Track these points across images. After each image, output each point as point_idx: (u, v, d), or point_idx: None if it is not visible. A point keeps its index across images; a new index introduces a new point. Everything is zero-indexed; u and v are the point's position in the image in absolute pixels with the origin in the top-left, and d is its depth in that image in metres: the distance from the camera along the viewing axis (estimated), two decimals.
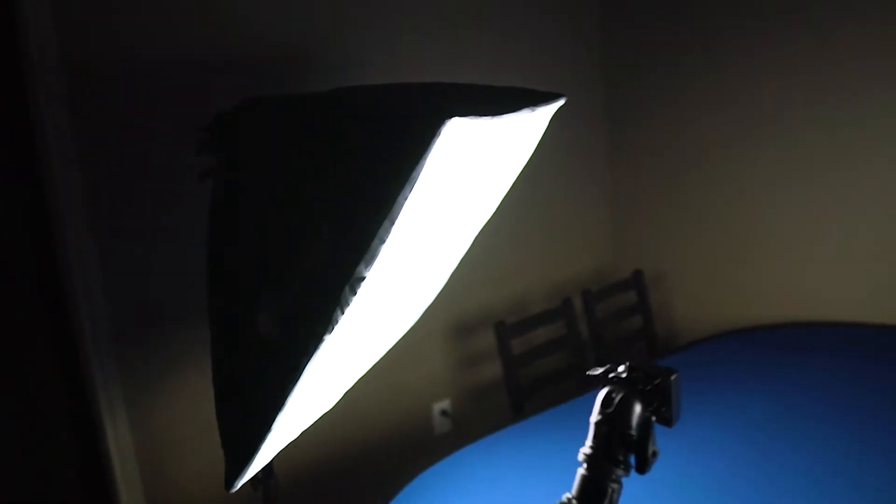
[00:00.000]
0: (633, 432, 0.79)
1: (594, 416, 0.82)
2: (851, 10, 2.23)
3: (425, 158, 0.77)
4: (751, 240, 2.65)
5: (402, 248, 0.94)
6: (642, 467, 0.79)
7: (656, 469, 0.79)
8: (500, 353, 2.31)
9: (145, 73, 1.87)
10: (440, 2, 2.41)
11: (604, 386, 0.83)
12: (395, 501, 1.55)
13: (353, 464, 2.38)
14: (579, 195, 2.95)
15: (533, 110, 1.06)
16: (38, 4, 1.71)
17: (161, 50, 1.89)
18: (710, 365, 2.14)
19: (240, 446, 0.98)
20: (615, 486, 0.80)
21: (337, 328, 0.91)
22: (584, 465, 0.80)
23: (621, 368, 0.83)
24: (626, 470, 0.79)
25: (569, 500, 0.80)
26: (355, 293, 0.88)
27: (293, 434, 1.08)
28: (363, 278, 0.86)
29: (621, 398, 0.80)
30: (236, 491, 0.99)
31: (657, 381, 0.79)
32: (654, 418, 0.79)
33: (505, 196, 1.30)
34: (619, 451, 0.78)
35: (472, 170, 1.02)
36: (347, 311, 0.89)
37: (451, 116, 0.75)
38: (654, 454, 0.79)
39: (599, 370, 0.84)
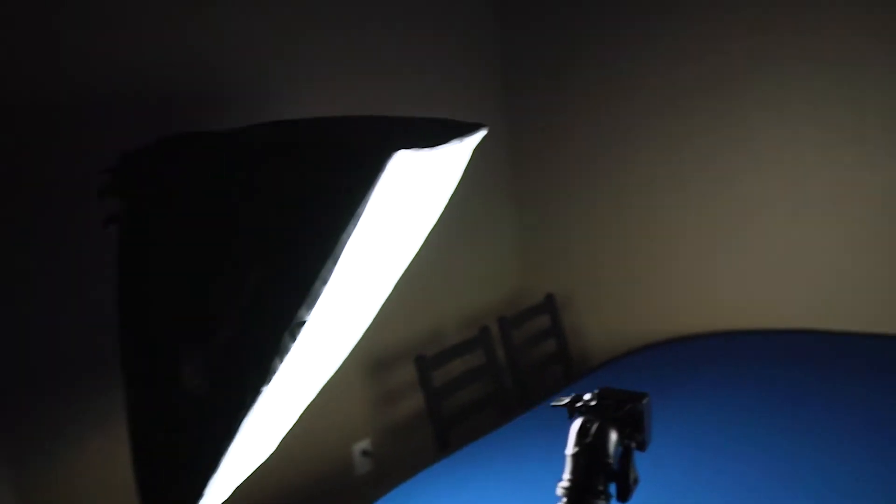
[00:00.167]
0: (612, 461, 0.78)
1: (570, 449, 0.80)
2: (726, 8, 2.41)
3: (371, 193, 0.74)
4: (652, 257, 2.76)
5: (339, 286, 0.90)
6: (624, 495, 0.79)
7: None
8: (422, 386, 2.27)
9: (35, 111, 1.73)
10: (339, 31, 2.39)
11: (576, 416, 0.82)
12: None
13: None
14: (485, 224, 2.98)
15: (461, 141, 1.06)
16: None
17: (51, 85, 1.76)
18: (625, 383, 2.19)
19: None
20: None
21: (275, 377, 0.85)
22: (564, 500, 0.79)
23: (588, 396, 0.82)
24: (607, 500, 0.78)
25: None
26: (295, 339, 0.83)
27: (227, 492, 1.00)
28: (304, 322, 0.82)
29: (597, 427, 0.79)
30: None
31: (628, 407, 0.79)
32: (633, 444, 0.79)
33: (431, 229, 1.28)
34: (599, 481, 0.77)
35: (404, 203, 1.00)
36: (287, 358, 0.84)
37: (397, 149, 0.73)
38: (636, 481, 0.79)
39: (565, 399, 0.84)
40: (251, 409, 0.84)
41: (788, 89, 2.35)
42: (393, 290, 1.45)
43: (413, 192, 1.01)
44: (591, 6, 2.71)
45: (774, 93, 2.38)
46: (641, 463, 0.80)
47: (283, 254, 0.80)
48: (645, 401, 0.80)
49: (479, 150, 1.25)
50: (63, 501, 1.85)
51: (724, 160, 2.53)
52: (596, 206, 2.87)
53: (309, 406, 1.49)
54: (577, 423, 0.81)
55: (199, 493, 0.87)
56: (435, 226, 1.32)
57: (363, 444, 2.55)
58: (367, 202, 0.74)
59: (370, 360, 2.54)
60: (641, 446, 0.79)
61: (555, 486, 1.60)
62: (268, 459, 1.19)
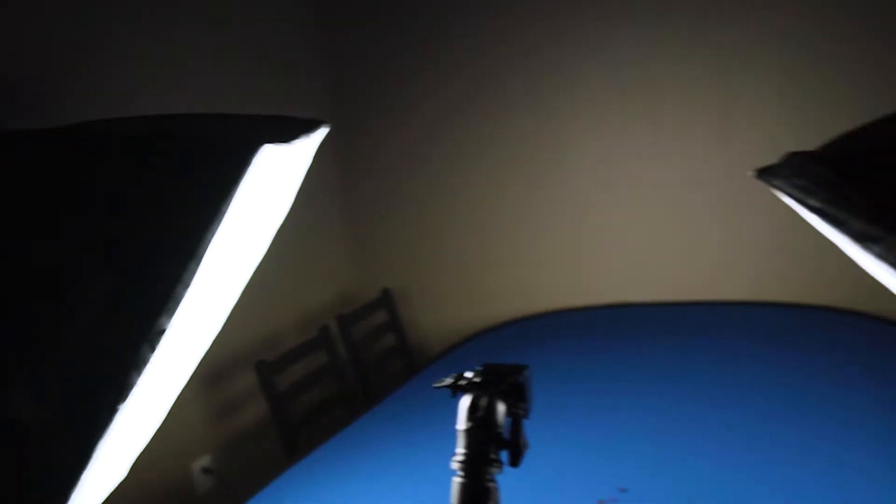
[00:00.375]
0: (502, 431, 0.83)
1: (462, 424, 0.83)
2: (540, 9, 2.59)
3: (236, 189, 0.71)
4: (480, 249, 2.90)
5: (199, 290, 0.85)
6: (516, 460, 0.84)
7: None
8: (265, 392, 2.20)
9: None
10: (172, 32, 2.24)
11: (462, 394, 0.85)
12: None
13: None
14: (315, 223, 2.94)
15: (309, 136, 1.04)
16: None
17: None
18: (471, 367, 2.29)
19: None
20: (492, 484, 0.83)
21: (132, 393, 0.79)
22: (461, 473, 0.82)
23: (470, 374, 0.86)
24: (500, 467, 0.83)
25: None
26: (154, 349, 0.77)
27: None
28: (163, 331, 0.76)
29: (488, 401, 0.83)
30: None
31: (512, 379, 0.84)
32: (520, 413, 0.84)
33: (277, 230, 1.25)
34: (492, 450, 0.82)
35: (260, 200, 0.96)
36: (146, 370, 0.78)
37: (262, 143, 0.70)
38: (525, 446, 0.84)
39: (448, 380, 0.86)
40: (106, 431, 0.77)
41: (593, 89, 2.58)
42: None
43: (268, 189, 0.98)
44: (412, 9, 2.78)
45: (580, 89, 2.60)
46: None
47: (139, 257, 0.74)
48: (526, 372, 0.86)
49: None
50: None
51: (537, 156, 2.72)
52: (425, 201, 2.95)
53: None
54: (466, 400, 0.84)
55: None
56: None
57: (203, 462, 2.41)
58: (231, 199, 0.71)
59: (205, 370, 2.41)
60: (525, 415, 0.85)
61: (411, 478, 1.64)
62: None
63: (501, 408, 0.83)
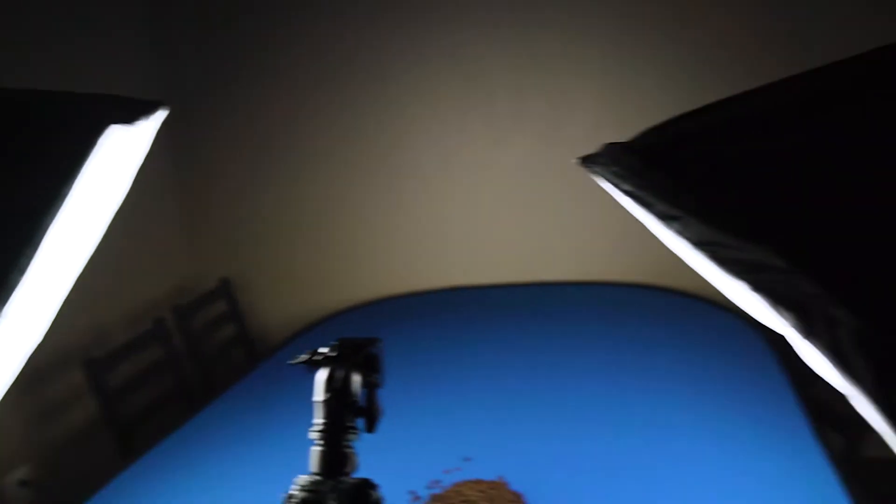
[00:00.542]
0: (358, 400, 0.86)
1: (320, 396, 0.86)
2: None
3: (80, 171, 0.68)
4: (322, 233, 2.90)
5: (32, 278, 0.80)
6: (371, 427, 0.88)
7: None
8: (95, 391, 2.06)
9: None
10: None
11: (319, 367, 0.87)
12: None
13: None
14: (146, 212, 2.78)
15: (148, 118, 1.01)
16: None
17: None
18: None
19: None
20: (350, 450, 0.86)
21: None
22: (320, 442, 0.84)
23: (325, 350, 0.89)
24: (356, 434, 0.86)
25: (305, 483, 0.82)
26: None
27: None
28: None
29: (344, 373, 0.86)
30: None
31: (366, 351, 0.88)
32: (374, 382, 0.88)
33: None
34: (349, 418, 0.85)
35: (97, 185, 0.91)
36: None
37: (109, 123, 0.68)
38: (380, 413, 0.88)
39: (304, 356, 0.89)
40: None
41: (430, 80, 2.67)
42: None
43: (106, 172, 0.93)
44: (249, 7, 2.71)
45: (418, 81, 2.69)
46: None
47: None
48: (380, 343, 0.91)
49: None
50: None
51: (376, 145, 2.78)
52: (262, 189, 2.90)
53: None
54: (323, 373, 0.88)
55: None
56: None
57: (20, 474, 2.21)
58: (74, 181, 0.68)
59: (22, 371, 2.20)
60: (380, 384, 0.90)
61: (262, 463, 1.63)
62: None
63: (357, 378, 0.87)
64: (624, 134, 0.69)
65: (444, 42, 2.62)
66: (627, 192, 0.65)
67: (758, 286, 0.59)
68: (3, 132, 0.69)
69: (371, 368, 0.89)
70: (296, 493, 0.81)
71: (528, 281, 2.78)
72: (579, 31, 2.53)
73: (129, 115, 0.85)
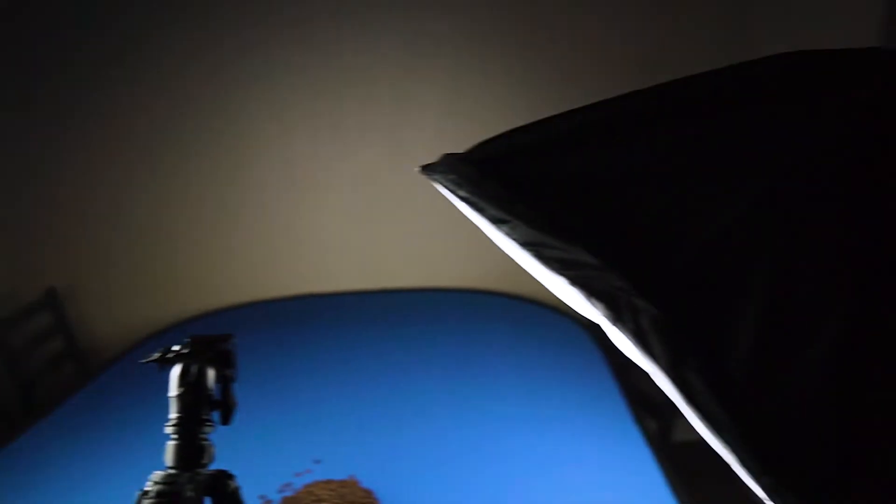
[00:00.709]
0: (213, 393, 0.87)
1: (174, 391, 0.86)
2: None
3: None
4: (165, 241, 2.78)
5: None
6: (227, 419, 0.89)
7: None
8: None
9: None
10: None
11: (173, 364, 0.87)
12: None
13: None
14: None
15: None
16: None
17: None
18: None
19: None
20: (206, 442, 0.87)
21: None
22: (175, 436, 0.84)
23: (177, 347, 0.89)
24: (212, 426, 0.87)
25: (160, 478, 0.82)
26: None
27: None
28: None
29: (198, 368, 0.86)
30: None
31: (219, 346, 0.90)
32: (228, 376, 0.89)
33: None
34: (204, 411, 0.86)
35: None
36: None
37: None
38: (235, 405, 0.89)
39: (156, 354, 0.88)
40: None
41: (279, 90, 2.67)
42: None
43: None
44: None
45: (268, 90, 2.67)
46: None
47: None
48: (233, 339, 0.92)
49: None
50: None
51: (225, 153, 2.73)
52: (89, 193, 2.73)
53: None
54: (177, 369, 0.88)
55: None
56: None
57: None
58: None
59: None
60: (233, 379, 0.92)
61: (102, 476, 1.55)
62: None
63: (212, 372, 0.89)
64: (464, 145, 0.77)
65: (291, 54, 2.63)
66: (463, 199, 0.73)
67: (575, 280, 0.68)
68: None
69: (225, 363, 0.91)
70: (150, 487, 0.82)
71: (377, 288, 2.85)
72: (425, 43, 2.65)
73: None
